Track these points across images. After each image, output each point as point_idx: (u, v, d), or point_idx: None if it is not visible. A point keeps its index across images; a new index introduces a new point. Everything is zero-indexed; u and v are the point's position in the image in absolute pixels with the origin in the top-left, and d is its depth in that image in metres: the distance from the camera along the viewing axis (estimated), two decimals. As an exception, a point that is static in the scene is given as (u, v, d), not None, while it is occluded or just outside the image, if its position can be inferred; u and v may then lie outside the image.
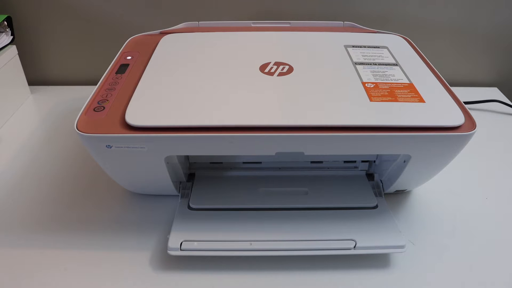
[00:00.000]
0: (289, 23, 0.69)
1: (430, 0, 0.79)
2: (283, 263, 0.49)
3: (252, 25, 0.69)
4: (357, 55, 0.57)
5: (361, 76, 0.51)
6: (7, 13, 0.76)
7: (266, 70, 0.52)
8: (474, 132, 0.44)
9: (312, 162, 0.59)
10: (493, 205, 0.57)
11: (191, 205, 0.53)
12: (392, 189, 0.56)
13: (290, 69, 0.52)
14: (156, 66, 0.54)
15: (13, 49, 0.77)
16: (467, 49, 0.85)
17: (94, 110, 0.47)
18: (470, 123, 0.45)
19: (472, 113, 0.46)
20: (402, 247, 0.48)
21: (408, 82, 0.51)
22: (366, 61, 0.55)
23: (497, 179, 0.62)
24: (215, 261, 0.49)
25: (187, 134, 0.43)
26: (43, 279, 0.47)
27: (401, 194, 0.59)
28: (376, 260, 0.49)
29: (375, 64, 0.54)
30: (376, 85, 0.50)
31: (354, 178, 0.58)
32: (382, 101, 0.47)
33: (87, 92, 0.50)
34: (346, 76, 0.52)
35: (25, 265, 0.48)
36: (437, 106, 0.47)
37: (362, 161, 0.59)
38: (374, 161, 0.58)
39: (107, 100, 0.48)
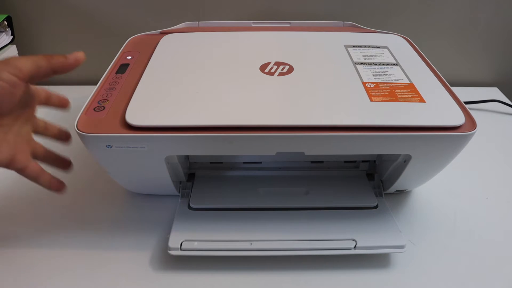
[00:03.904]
0: (289, 23, 0.69)
1: (430, 0, 0.79)
2: (283, 263, 0.49)
3: (252, 25, 0.69)
4: (357, 55, 0.57)
5: (362, 76, 0.51)
6: (7, 13, 0.76)
7: (267, 70, 0.52)
8: (474, 132, 0.44)
9: (312, 162, 0.59)
10: (493, 205, 0.57)
11: (191, 205, 0.53)
12: (392, 189, 0.56)
13: (291, 69, 0.52)
14: (156, 66, 0.54)
15: (13, 49, 0.77)
16: (467, 49, 0.85)
17: (94, 110, 0.47)
18: (470, 123, 0.45)
19: (472, 113, 0.46)
20: (402, 247, 0.48)
21: (408, 82, 0.51)
22: (367, 61, 0.55)
23: (497, 179, 0.62)
24: (215, 261, 0.49)
25: (187, 134, 0.43)
26: (43, 280, 0.47)
27: (401, 194, 0.59)
28: (376, 260, 0.49)
29: (376, 64, 0.54)
30: (377, 85, 0.50)
31: (354, 178, 0.58)
32: (382, 101, 0.47)
33: (87, 92, 0.50)
34: (347, 76, 0.52)
35: (25, 265, 0.48)
36: (438, 106, 0.47)
37: (363, 161, 0.59)
38: (375, 161, 0.58)
39: (107, 100, 0.48)
